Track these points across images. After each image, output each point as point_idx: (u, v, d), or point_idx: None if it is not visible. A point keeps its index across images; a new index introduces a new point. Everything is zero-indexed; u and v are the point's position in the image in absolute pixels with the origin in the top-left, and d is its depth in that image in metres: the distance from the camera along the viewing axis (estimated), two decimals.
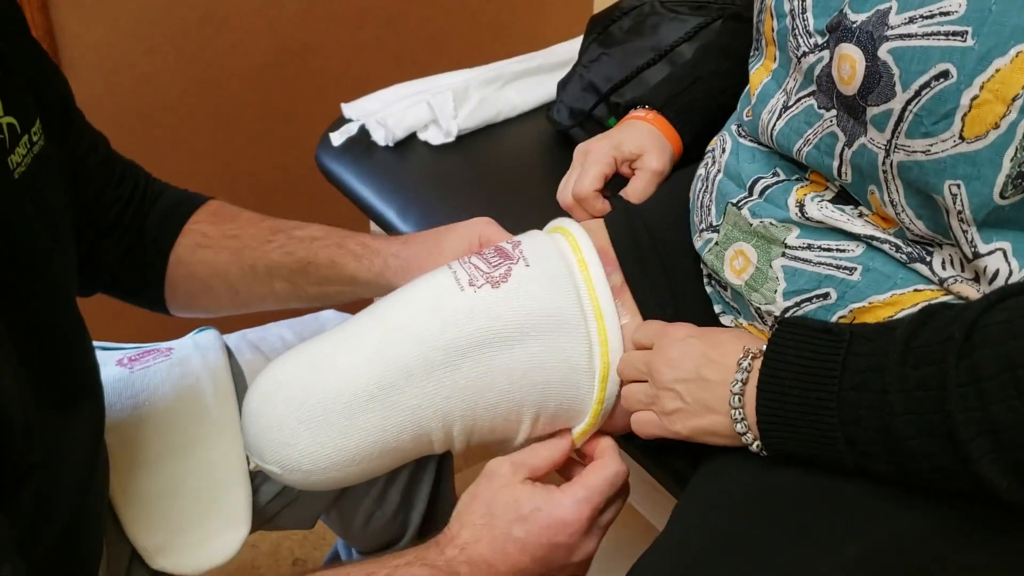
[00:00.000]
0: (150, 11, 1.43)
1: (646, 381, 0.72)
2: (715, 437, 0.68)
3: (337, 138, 1.20)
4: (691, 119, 0.88)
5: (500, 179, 1.14)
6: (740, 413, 0.65)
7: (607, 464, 0.75)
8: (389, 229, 1.11)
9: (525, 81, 1.26)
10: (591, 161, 0.87)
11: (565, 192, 0.88)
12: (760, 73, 0.73)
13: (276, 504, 0.98)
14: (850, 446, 0.60)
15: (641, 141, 0.88)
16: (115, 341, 1.04)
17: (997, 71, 0.55)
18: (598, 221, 0.85)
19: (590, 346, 0.76)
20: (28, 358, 0.69)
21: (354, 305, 0.94)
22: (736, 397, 0.65)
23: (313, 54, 1.59)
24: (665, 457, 0.81)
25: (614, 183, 0.88)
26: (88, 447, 0.80)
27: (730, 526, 0.64)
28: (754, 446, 0.65)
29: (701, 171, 0.80)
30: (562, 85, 1.16)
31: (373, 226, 1.17)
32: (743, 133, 0.77)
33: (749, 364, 0.65)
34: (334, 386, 0.75)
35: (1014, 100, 0.54)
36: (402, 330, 0.76)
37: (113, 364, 0.98)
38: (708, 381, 0.67)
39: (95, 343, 1.00)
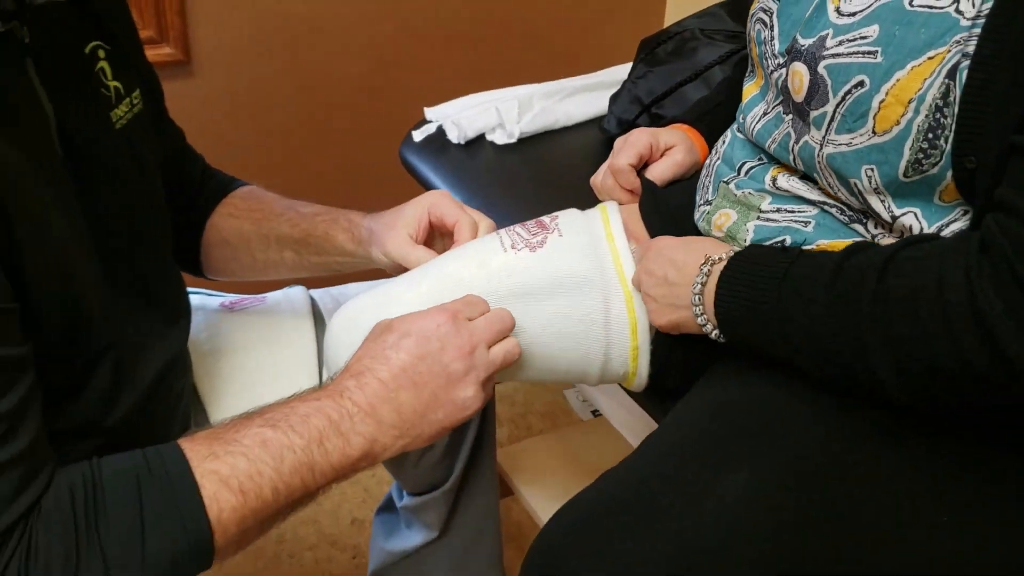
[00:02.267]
0: (268, 22, 1.61)
1: None
2: (685, 327, 0.82)
3: (418, 135, 1.37)
4: (713, 133, 1.04)
5: (553, 176, 1.28)
6: (700, 308, 0.79)
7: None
8: None
9: (582, 96, 1.40)
10: (630, 143, 1.01)
11: (597, 175, 1.03)
12: (751, 88, 0.90)
13: None
14: (783, 339, 0.73)
15: (675, 138, 1.03)
16: None
17: (898, 80, 0.70)
18: (632, 204, 0.99)
19: (607, 303, 0.88)
20: (108, 259, 0.81)
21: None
22: (697, 296, 0.79)
23: (402, 67, 1.74)
24: (661, 402, 0.95)
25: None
26: (169, 336, 0.93)
27: (669, 446, 0.79)
28: (713, 334, 0.79)
29: (707, 162, 0.96)
30: (613, 99, 1.32)
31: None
32: (739, 131, 0.93)
33: (708, 269, 0.79)
34: (396, 314, 0.88)
35: (909, 102, 0.70)
36: (453, 277, 0.90)
37: (217, 305, 1.15)
38: (672, 283, 0.82)
39: (204, 290, 1.18)
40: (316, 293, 1.18)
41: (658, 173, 1.00)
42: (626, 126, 1.25)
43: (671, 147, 1.02)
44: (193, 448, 0.74)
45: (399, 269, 0.99)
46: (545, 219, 0.93)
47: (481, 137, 1.37)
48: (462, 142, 1.35)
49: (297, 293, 1.17)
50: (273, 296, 1.17)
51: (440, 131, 1.37)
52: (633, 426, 1.27)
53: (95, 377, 0.80)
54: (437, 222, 0.99)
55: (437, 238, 1.01)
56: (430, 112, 1.40)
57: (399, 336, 0.82)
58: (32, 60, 0.76)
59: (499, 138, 1.35)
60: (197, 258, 1.09)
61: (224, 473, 0.73)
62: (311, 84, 1.69)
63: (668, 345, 0.89)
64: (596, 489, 0.78)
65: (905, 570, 0.72)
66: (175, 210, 1.04)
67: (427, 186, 1.33)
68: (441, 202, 0.99)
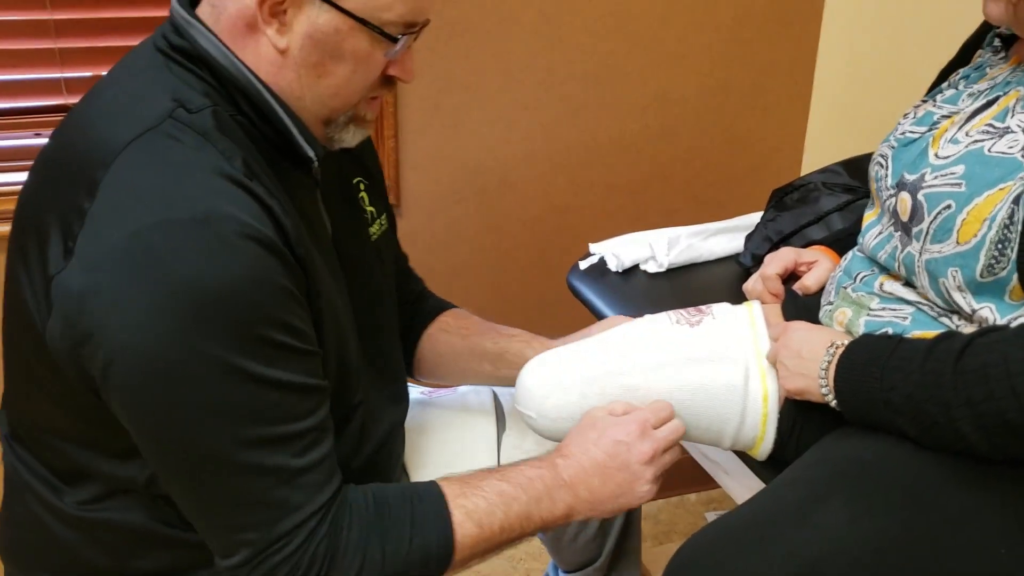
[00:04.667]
0: (462, 174, 1.80)
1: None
2: (808, 395, 1.00)
3: (583, 264, 1.55)
4: (845, 253, 1.22)
5: (695, 300, 1.35)
6: (825, 381, 0.97)
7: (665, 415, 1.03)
8: None
9: (723, 236, 1.55)
10: (778, 256, 1.23)
11: (749, 282, 1.24)
12: (870, 215, 1.11)
13: None
14: (887, 405, 0.91)
15: (817, 255, 1.24)
16: None
17: (976, 204, 0.91)
18: (775, 305, 1.19)
19: (747, 375, 1.05)
20: (362, 336, 1.02)
21: None
22: (823, 371, 0.97)
23: (572, 212, 1.91)
24: (775, 472, 1.09)
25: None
26: (393, 408, 1.12)
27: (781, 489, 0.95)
28: (832, 403, 0.97)
29: (831, 274, 1.16)
30: (748, 238, 1.50)
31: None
32: (858, 250, 1.13)
33: (834, 351, 0.97)
34: (579, 367, 1.08)
35: (984, 221, 0.90)
36: (633, 342, 1.09)
37: (418, 393, 1.34)
38: (803, 358, 1.00)
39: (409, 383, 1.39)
40: (498, 390, 1.33)
41: (813, 279, 1.19)
42: (759, 260, 1.42)
43: (814, 261, 1.22)
44: (448, 487, 0.95)
45: None
46: (703, 307, 1.13)
47: (636, 267, 1.52)
48: (620, 270, 1.50)
49: (483, 389, 1.33)
50: (463, 390, 1.34)
51: (602, 261, 1.53)
52: None
53: (351, 424, 1.00)
54: None
55: None
56: (594, 247, 1.58)
57: (599, 435, 1.01)
58: (320, 191, 1.00)
59: (651, 267, 1.51)
60: (411, 360, 1.25)
61: (469, 508, 0.93)
62: (497, 225, 1.87)
63: (790, 420, 1.06)
64: (720, 521, 0.97)
65: None
66: (404, 315, 1.22)
67: (590, 307, 1.49)
68: (617, 321, 1.18)
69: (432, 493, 0.94)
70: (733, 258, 1.56)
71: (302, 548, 0.86)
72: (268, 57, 0.88)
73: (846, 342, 0.98)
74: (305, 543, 0.86)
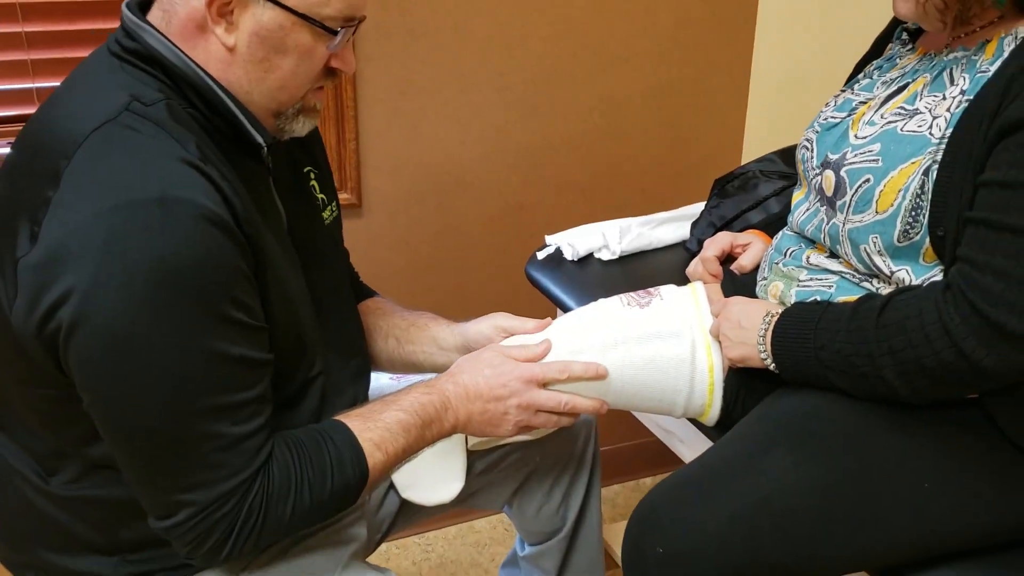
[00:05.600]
0: (421, 175, 1.83)
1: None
2: (749, 361, 1.07)
3: (541, 255, 1.60)
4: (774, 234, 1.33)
5: (646, 284, 1.39)
6: (763, 347, 1.05)
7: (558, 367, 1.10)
8: None
9: (671, 225, 1.62)
10: (715, 240, 1.31)
11: (691, 265, 1.31)
12: (798, 195, 1.20)
13: (479, 481, 1.33)
14: (818, 362, 0.99)
15: (751, 238, 1.32)
16: None
17: (891, 177, 1.00)
18: (716, 284, 1.27)
19: (693, 348, 1.12)
20: (324, 316, 1.07)
21: None
22: (761, 338, 1.05)
23: (527, 210, 1.95)
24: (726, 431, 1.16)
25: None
26: (355, 381, 1.15)
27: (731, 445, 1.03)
28: (771, 366, 1.04)
29: (765, 253, 1.24)
30: (694, 225, 1.57)
31: (559, 313, 1.59)
32: (788, 228, 1.21)
33: (770, 320, 1.05)
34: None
35: (899, 192, 0.98)
36: (587, 324, 1.16)
37: (387, 378, 1.37)
38: (743, 328, 1.07)
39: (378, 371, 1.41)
40: None
41: (744, 262, 1.28)
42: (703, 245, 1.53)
43: (748, 243, 1.31)
44: (353, 423, 1.01)
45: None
46: (652, 289, 1.20)
47: (590, 255, 1.58)
48: (575, 259, 1.57)
49: None
50: (432, 374, 1.34)
51: (558, 251, 1.59)
52: None
53: (310, 393, 1.06)
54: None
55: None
56: (550, 238, 1.63)
57: (493, 373, 1.09)
58: (272, 179, 1.03)
59: (604, 255, 1.57)
60: None
61: (376, 440, 1.00)
62: (455, 224, 1.90)
63: (735, 386, 1.14)
64: (677, 472, 1.04)
65: (913, 521, 0.95)
66: None
67: (549, 295, 1.55)
68: (506, 321, 1.21)
69: (341, 431, 0.99)
70: (681, 245, 1.64)
71: (238, 506, 0.90)
72: (217, 55, 0.92)
73: (780, 311, 1.06)
74: (242, 500, 0.90)
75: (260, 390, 0.92)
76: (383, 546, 1.60)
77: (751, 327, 1.07)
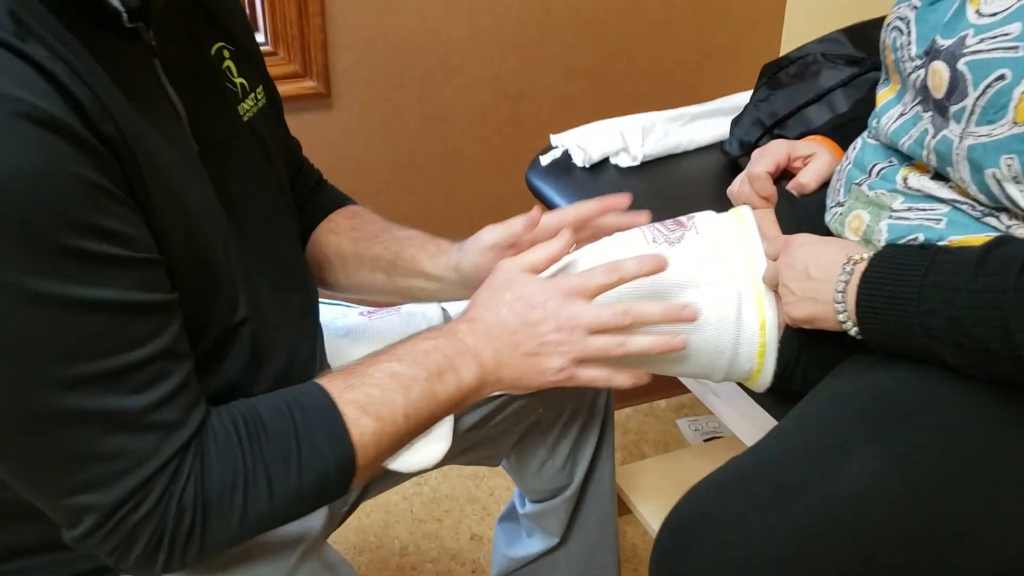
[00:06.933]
0: (402, 57, 1.70)
1: None
2: (820, 323, 0.85)
3: (544, 160, 1.42)
4: (848, 143, 1.07)
5: (675, 197, 1.32)
6: (843, 306, 0.82)
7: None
8: None
9: (704, 121, 1.44)
10: (767, 152, 1.07)
11: (734, 184, 1.07)
12: (885, 94, 0.94)
13: (472, 436, 1.16)
14: (924, 331, 0.76)
15: (814, 147, 1.08)
16: None
17: None
18: (768, 210, 1.03)
19: (739, 301, 0.92)
20: (243, 239, 0.88)
21: None
22: (839, 294, 0.82)
23: (526, 99, 1.81)
24: (784, 407, 0.97)
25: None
26: (299, 323, 0.99)
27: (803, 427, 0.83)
28: (852, 331, 0.82)
29: (837, 168, 0.99)
30: (735, 122, 1.35)
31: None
32: (871, 136, 0.96)
33: (851, 268, 0.83)
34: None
35: None
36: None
37: (356, 314, 1.20)
38: (812, 279, 0.85)
39: (343, 302, 1.24)
40: (449, 307, 1.22)
41: (805, 179, 1.04)
42: (748, 148, 1.28)
43: (811, 155, 1.06)
44: (331, 384, 0.83)
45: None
46: (683, 218, 0.97)
47: (605, 161, 1.41)
48: (587, 165, 1.40)
49: (432, 307, 1.21)
50: (408, 309, 1.21)
51: (566, 155, 1.42)
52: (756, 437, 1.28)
53: (235, 346, 0.87)
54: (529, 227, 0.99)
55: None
56: (556, 139, 1.45)
57: (514, 297, 0.90)
58: (160, 62, 0.82)
59: (623, 161, 1.39)
60: None
61: (362, 402, 0.82)
62: (441, 115, 1.77)
63: (794, 349, 0.92)
64: (726, 467, 0.83)
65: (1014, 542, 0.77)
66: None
67: (553, 208, 1.37)
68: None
69: (313, 395, 0.83)
70: (716, 147, 1.43)
71: (162, 503, 0.74)
72: None
73: (866, 256, 0.83)
74: (165, 496, 0.75)
75: (163, 343, 0.73)
76: None
77: (825, 277, 0.84)
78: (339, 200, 1.16)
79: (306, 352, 1.01)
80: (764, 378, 0.93)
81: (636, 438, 2.06)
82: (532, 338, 0.88)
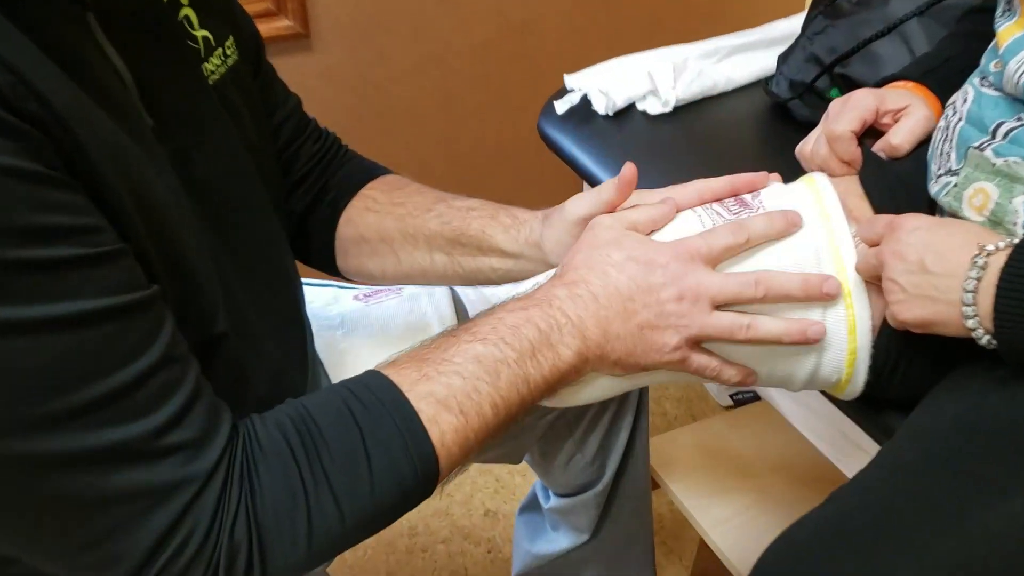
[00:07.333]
0: None
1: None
2: (938, 326, 0.70)
3: (561, 107, 1.26)
4: (947, 90, 0.89)
5: (715, 150, 1.17)
6: (972, 309, 0.67)
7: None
8: None
9: (743, 55, 1.28)
10: (851, 105, 0.88)
11: (806, 143, 0.90)
12: (1011, 29, 0.76)
13: None
14: None
15: (907, 98, 0.89)
16: None
17: None
18: (852, 178, 0.86)
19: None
20: (216, 231, 0.78)
21: None
22: (969, 294, 0.67)
23: (532, 32, 1.69)
24: (876, 415, 0.84)
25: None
26: (285, 330, 0.89)
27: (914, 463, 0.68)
28: (984, 340, 0.67)
29: (941, 123, 0.82)
30: (783, 58, 1.18)
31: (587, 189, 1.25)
32: (987, 84, 0.79)
33: (985, 261, 0.67)
34: None
35: None
36: None
37: (350, 299, 1.09)
38: (930, 272, 0.69)
39: (335, 282, 1.10)
40: (460, 290, 1.11)
41: (902, 134, 0.86)
42: (801, 90, 1.11)
43: (904, 107, 0.88)
44: (400, 373, 0.72)
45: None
46: (747, 196, 0.81)
47: (631, 106, 1.26)
48: (610, 113, 1.25)
49: (437, 290, 1.10)
50: (411, 291, 1.10)
51: (584, 101, 1.27)
52: (802, 416, 1.16)
53: (216, 366, 0.76)
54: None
55: None
56: (571, 81, 1.29)
57: (626, 257, 0.77)
58: (95, 17, 0.70)
59: (651, 107, 1.24)
60: (331, 256, 1.02)
61: (441, 394, 0.71)
62: (437, 54, 1.66)
63: (892, 353, 0.76)
64: (827, 509, 0.69)
65: None
66: (294, 199, 0.98)
67: (573, 165, 1.24)
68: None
69: (378, 389, 0.71)
70: (758, 85, 1.27)
71: (210, 541, 0.64)
72: None
73: (1002, 244, 0.67)
74: (213, 531, 0.65)
75: (159, 350, 0.64)
76: None
77: (947, 272, 0.69)
78: (370, 170, 1.03)
79: (295, 360, 0.90)
80: (854, 387, 0.79)
81: (657, 394, 1.98)
82: (650, 306, 0.76)
